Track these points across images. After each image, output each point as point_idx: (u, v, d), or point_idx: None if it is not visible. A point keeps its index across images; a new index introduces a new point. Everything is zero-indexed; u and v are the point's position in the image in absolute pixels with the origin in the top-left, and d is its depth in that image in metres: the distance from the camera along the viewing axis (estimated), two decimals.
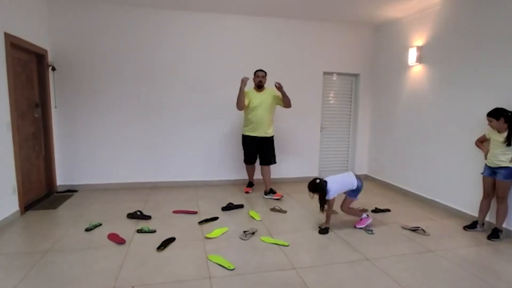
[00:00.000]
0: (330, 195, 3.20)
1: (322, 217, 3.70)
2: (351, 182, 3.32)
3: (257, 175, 4.93)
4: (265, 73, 4.36)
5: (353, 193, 3.38)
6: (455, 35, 3.89)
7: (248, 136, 4.43)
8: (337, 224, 3.48)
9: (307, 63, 5.25)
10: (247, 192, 4.66)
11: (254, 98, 4.29)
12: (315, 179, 3.26)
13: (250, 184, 4.82)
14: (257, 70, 4.34)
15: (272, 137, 4.51)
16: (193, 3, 4.38)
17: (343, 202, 3.44)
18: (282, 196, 4.43)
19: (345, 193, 3.42)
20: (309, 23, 5.15)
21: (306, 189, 4.85)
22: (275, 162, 4.57)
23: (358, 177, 3.40)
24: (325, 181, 3.22)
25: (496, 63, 3.39)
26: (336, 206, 4.13)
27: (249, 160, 4.58)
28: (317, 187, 3.20)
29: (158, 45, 4.68)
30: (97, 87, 4.57)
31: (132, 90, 4.68)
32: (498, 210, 3.19)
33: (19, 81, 3.73)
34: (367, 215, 3.45)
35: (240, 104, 4.22)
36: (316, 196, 3.25)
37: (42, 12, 4.20)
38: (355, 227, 3.36)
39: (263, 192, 4.56)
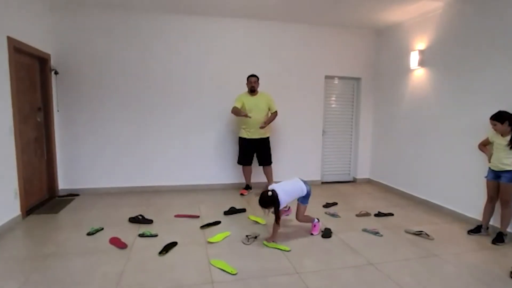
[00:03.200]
0: (281, 206, 3.00)
1: (325, 220, 3.68)
2: (301, 188, 3.13)
3: (256, 178, 4.95)
4: (257, 78, 4.55)
5: (304, 200, 3.19)
6: (457, 38, 3.89)
7: (244, 138, 4.61)
8: (340, 228, 3.46)
9: (308, 67, 5.25)
10: (242, 194, 4.70)
11: (248, 102, 4.47)
12: (267, 191, 2.96)
13: (247, 187, 4.88)
14: (249, 76, 4.54)
15: (268, 138, 4.70)
16: (194, 7, 4.40)
17: (297, 211, 3.22)
18: None
19: (297, 200, 3.22)
20: (311, 27, 5.17)
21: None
22: (271, 162, 4.76)
23: (305, 182, 3.22)
24: (275, 191, 2.95)
25: (499, 66, 3.38)
26: (340, 210, 4.10)
27: (243, 161, 4.70)
28: (272, 200, 2.92)
29: (159, 49, 4.70)
30: (99, 91, 4.58)
31: (133, 94, 4.69)
32: (503, 214, 3.17)
33: (22, 85, 3.74)
34: (318, 220, 3.34)
35: (234, 114, 4.53)
36: (268, 210, 3.09)
37: (45, 16, 4.23)
38: (311, 234, 3.24)
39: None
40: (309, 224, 3.37)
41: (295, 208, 3.27)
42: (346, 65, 5.41)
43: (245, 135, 4.58)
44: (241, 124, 4.62)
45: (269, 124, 4.62)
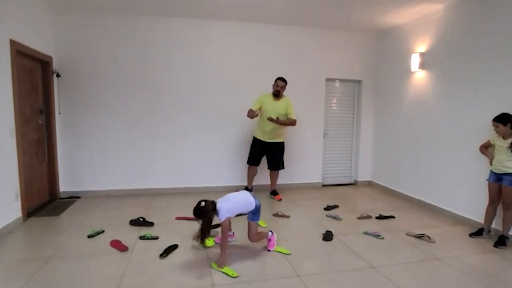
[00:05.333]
0: (222, 216, 2.60)
1: (326, 223, 3.67)
2: (248, 200, 2.79)
3: (260, 181, 4.94)
4: (286, 82, 4.40)
5: (254, 216, 2.82)
6: (458, 41, 3.89)
7: (256, 138, 4.59)
8: (341, 231, 3.45)
9: (310, 70, 5.26)
10: None
11: (269, 104, 4.39)
12: (200, 201, 2.63)
13: (246, 189, 4.74)
14: (278, 79, 4.39)
15: (282, 143, 4.62)
16: (197, 10, 4.41)
17: (249, 230, 2.84)
18: (281, 200, 4.61)
19: (247, 217, 2.87)
20: (312, 30, 5.18)
21: (310, 195, 4.91)
22: (283, 168, 4.71)
23: (254, 196, 2.89)
24: (214, 202, 2.66)
25: (500, 69, 3.38)
26: (340, 211, 4.09)
27: (250, 161, 4.66)
28: (200, 211, 2.57)
29: (161, 52, 4.71)
30: (101, 93, 4.59)
31: (135, 97, 4.70)
32: (505, 217, 3.15)
33: (23, 88, 3.75)
34: (271, 232, 2.99)
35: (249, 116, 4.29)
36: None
37: (47, 19, 4.24)
38: (269, 250, 2.89)
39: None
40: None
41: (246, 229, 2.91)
42: (347, 67, 5.42)
43: (259, 136, 4.55)
44: (258, 125, 4.59)
45: (284, 129, 4.56)
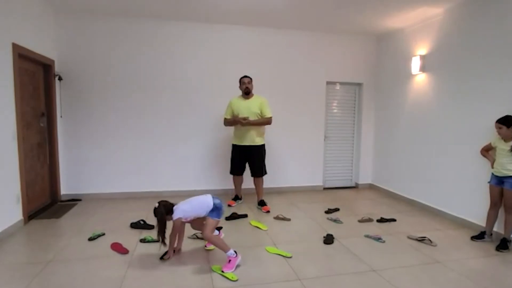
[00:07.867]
0: (175, 215, 2.65)
1: (326, 226, 3.66)
2: (206, 201, 2.74)
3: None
4: (251, 78, 4.21)
5: (212, 213, 2.72)
6: (459, 43, 3.90)
7: (235, 145, 4.29)
8: (342, 234, 3.44)
9: (310, 73, 5.27)
10: (229, 205, 4.36)
11: (239, 106, 4.15)
12: (159, 202, 2.67)
13: (236, 198, 4.54)
14: (242, 77, 4.19)
15: (262, 146, 4.29)
16: (197, 14, 4.43)
17: (204, 226, 2.72)
18: (269, 211, 4.17)
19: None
20: (312, 33, 5.20)
21: (311, 198, 4.90)
22: (265, 173, 4.37)
23: (216, 197, 2.81)
24: (171, 204, 2.72)
25: (500, 71, 3.38)
26: (344, 215, 4.07)
27: (234, 171, 4.38)
28: (154, 212, 2.63)
29: (163, 56, 4.73)
30: (102, 97, 4.61)
31: (137, 100, 4.71)
32: (506, 220, 3.14)
33: (26, 91, 3.77)
34: (236, 253, 2.68)
35: (227, 125, 4.30)
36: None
37: (50, 23, 4.27)
38: (222, 271, 2.57)
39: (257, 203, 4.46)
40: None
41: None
42: (347, 70, 5.43)
43: (237, 142, 4.25)
44: (234, 130, 4.32)
45: (262, 132, 4.25)
